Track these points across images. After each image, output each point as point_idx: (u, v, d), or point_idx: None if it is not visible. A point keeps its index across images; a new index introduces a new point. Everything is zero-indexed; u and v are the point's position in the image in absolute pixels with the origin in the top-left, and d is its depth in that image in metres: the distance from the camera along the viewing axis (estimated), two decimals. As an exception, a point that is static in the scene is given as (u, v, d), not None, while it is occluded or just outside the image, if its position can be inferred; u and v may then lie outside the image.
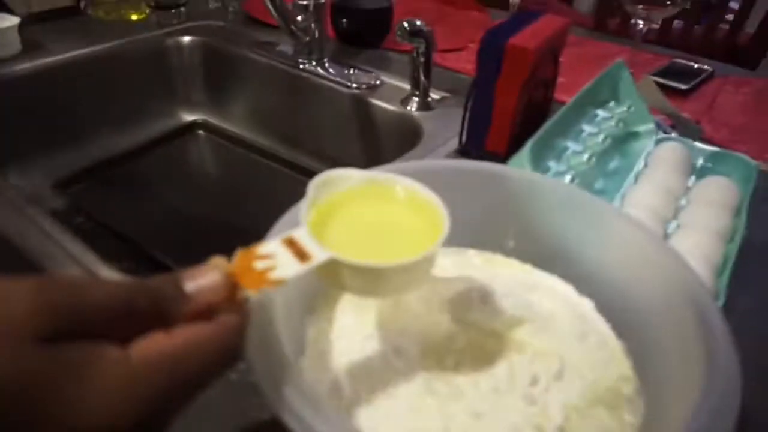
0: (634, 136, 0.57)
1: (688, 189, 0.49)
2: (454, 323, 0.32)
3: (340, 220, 0.27)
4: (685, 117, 0.62)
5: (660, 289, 0.31)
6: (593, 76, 0.57)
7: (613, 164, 0.54)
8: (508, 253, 0.38)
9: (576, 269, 0.36)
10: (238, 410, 0.31)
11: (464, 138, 0.57)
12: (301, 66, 0.74)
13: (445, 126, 0.62)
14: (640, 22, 0.68)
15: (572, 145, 0.52)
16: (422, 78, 0.65)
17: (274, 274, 0.22)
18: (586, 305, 0.35)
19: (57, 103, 0.72)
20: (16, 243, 0.43)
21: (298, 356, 0.30)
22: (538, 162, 0.46)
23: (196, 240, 0.62)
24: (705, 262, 0.39)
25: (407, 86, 0.67)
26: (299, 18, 0.71)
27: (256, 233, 0.25)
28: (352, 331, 0.31)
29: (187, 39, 0.83)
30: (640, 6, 0.66)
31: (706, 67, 0.78)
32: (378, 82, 0.71)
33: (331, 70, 0.73)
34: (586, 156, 0.50)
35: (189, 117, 0.85)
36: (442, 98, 0.68)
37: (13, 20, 0.69)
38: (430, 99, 0.67)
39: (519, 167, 0.44)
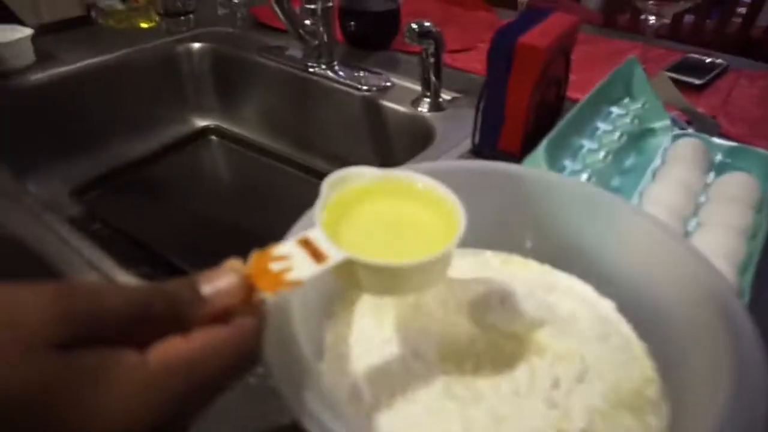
0: (650, 132, 0.56)
1: (707, 185, 0.49)
2: (473, 326, 0.31)
3: (355, 218, 0.27)
4: (700, 112, 0.61)
5: (682, 288, 0.31)
6: (605, 73, 0.57)
7: (630, 162, 0.53)
8: (525, 253, 0.38)
9: (595, 269, 0.35)
10: (258, 414, 0.31)
11: (477, 138, 0.57)
12: (311, 69, 0.74)
13: (457, 126, 0.62)
14: (651, 17, 0.67)
15: (587, 143, 0.51)
16: (433, 79, 0.64)
17: (290, 276, 0.22)
18: (607, 306, 0.34)
19: (71, 112, 0.72)
20: (34, 249, 0.43)
21: (317, 360, 0.30)
22: (554, 161, 0.46)
23: (212, 244, 0.63)
24: (728, 260, 0.38)
25: (418, 87, 0.67)
26: (307, 22, 0.71)
27: (271, 236, 0.25)
28: (370, 335, 0.31)
29: (196, 45, 0.83)
30: (651, 1, 0.66)
31: (719, 61, 0.77)
32: (388, 84, 0.71)
33: (340, 73, 0.73)
34: (602, 154, 0.49)
35: (201, 122, 0.85)
36: (453, 99, 0.68)
37: (26, 31, 0.69)
38: (441, 100, 0.66)
39: (534, 166, 0.44)
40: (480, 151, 0.57)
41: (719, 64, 0.76)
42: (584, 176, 0.46)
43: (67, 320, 0.17)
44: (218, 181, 0.80)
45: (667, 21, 0.68)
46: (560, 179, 0.38)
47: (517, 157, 0.53)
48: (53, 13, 0.86)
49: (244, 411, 0.31)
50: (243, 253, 0.22)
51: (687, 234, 0.43)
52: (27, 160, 0.69)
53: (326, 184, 0.26)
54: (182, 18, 0.88)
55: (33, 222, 0.46)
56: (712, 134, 0.55)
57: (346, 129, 0.74)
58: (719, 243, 0.40)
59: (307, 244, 0.23)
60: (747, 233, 0.42)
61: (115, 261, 0.42)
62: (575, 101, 0.61)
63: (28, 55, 0.70)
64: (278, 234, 0.28)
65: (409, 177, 0.29)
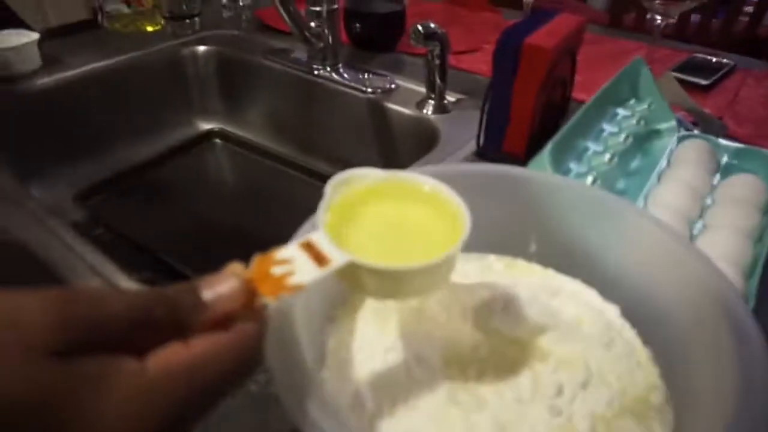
0: (656, 134, 0.56)
1: (713, 187, 0.48)
2: (477, 331, 0.31)
3: (358, 221, 0.27)
4: (707, 113, 0.61)
5: (688, 292, 0.30)
6: (611, 73, 0.56)
7: (635, 163, 0.53)
8: (529, 257, 0.37)
9: (600, 273, 0.35)
10: (259, 421, 0.31)
11: (482, 139, 0.56)
12: (316, 72, 0.74)
13: (462, 128, 0.62)
14: (658, 17, 0.66)
15: (593, 146, 0.51)
16: (438, 81, 0.64)
17: (293, 280, 0.21)
18: (611, 311, 0.34)
19: (76, 116, 0.73)
20: (37, 254, 0.43)
21: (319, 367, 0.29)
22: (559, 164, 0.46)
23: (216, 248, 0.63)
24: (733, 263, 0.38)
25: (422, 89, 0.67)
26: (312, 24, 0.71)
27: (276, 240, 0.24)
28: (373, 341, 0.31)
29: (202, 48, 0.83)
30: (658, 1, 0.65)
31: (726, 60, 0.77)
32: (393, 86, 0.71)
33: (345, 75, 0.73)
34: (607, 156, 0.49)
35: (205, 126, 0.86)
36: (458, 100, 0.68)
37: (33, 36, 0.70)
38: (446, 101, 0.66)
39: (540, 169, 0.44)
40: (485, 152, 0.57)
41: (726, 64, 0.76)
42: (589, 179, 0.46)
43: (69, 326, 0.17)
44: (222, 184, 0.80)
45: (673, 20, 0.68)
46: (565, 182, 0.38)
47: (522, 158, 0.53)
48: (59, 16, 0.87)
49: (245, 418, 0.31)
50: (247, 257, 0.22)
51: (693, 237, 0.43)
52: (31, 165, 0.69)
53: (330, 186, 0.26)
54: (187, 21, 0.88)
55: (36, 226, 0.46)
56: (719, 135, 0.55)
57: (351, 131, 0.74)
58: (725, 246, 0.39)
59: (309, 247, 0.23)
60: (753, 236, 0.42)
61: (117, 266, 0.42)
62: (580, 102, 0.61)
63: (35, 60, 0.71)
64: (283, 237, 0.28)
65: (414, 179, 0.29)
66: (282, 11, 0.66)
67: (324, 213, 0.25)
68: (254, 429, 0.31)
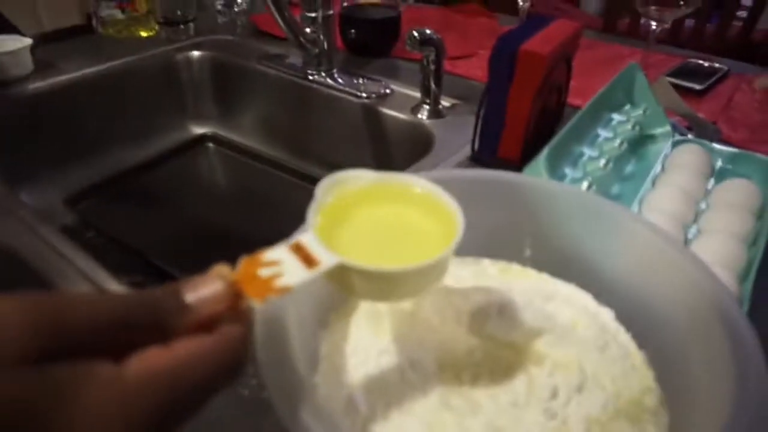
0: (651, 139, 0.56)
1: (707, 192, 0.48)
2: (471, 336, 0.31)
3: (349, 223, 0.26)
4: (701, 118, 0.61)
5: (682, 296, 0.30)
6: (605, 78, 0.57)
7: (630, 168, 0.53)
8: (524, 262, 0.37)
9: (594, 278, 0.35)
10: (252, 427, 0.31)
11: (477, 145, 0.56)
12: (311, 77, 0.74)
13: (456, 133, 0.62)
14: (653, 22, 0.67)
15: (588, 151, 0.51)
16: (433, 86, 0.64)
17: (280, 282, 0.21)
18: (606, 315, 0.34)
19: (68, 120, 0.73)
20: (26, 260, 0.43)
21: (312, 372, 0.29)
22: (555, 169, 0.46)
23: (208, 252, 0.62)
24: (728, 267, 0.38)
25: (417, 94, 0.67)
26: (308, 30, 0.71)
27: (269, 244, 0.24)
28: (366, 346, 0.31)
29: (196, 54, 0.83)
30: (653, 6, 0.65)
31: (719, 66, 0.77)
32: (388, 91, 0.71)
33: (340, 81, 0.73)
34: (602, 161, 0.49)
35: (199, 130, 0.86)
36: (453, 105, 0.68)
37: (25, 41, 0.70)
38: (441, 106, 0.66)
39: (535, 175, 0.44)
40: (479, 158, 0.57)
41: (720, 69, 0.76)
42: (585, 184, 0.46)
43: (38, 332, 0.16)
44: (215, 188, 0.80)
45: (667, 26, 0.68)
46: (560, 187, 0.38)
47: (517, 164, 0.53)
48: (53, 21, 0.86)
49: (237, 424, 0.31)
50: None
51: (687, 241, 0.43)
52: (22, 169, 0.68)
53: (320, 188, 0.26)
54: (182, 27, 0.88)
55: (26, 232, 0.45)
56: (713, 140, 0.55)
57: (346, 136, 0.74)
58: (719, 250, 0.40)
59: (298, 249, 0.22)
60: (747, 240, 0.42)
61: (108, 271, 0.42)
62: (575, 107, 0.61)
63: (27, 65, 0.70)
64: (276, 241, 0.27)
65: (406, 180, 0.28)
66: (277, 17, 0.66)
67: (314, 215, 0.25)
68: (246, 434, 0.30)
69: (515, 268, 0.37)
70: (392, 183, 0.28)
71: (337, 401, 0.28)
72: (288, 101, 0.78)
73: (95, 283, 0.40)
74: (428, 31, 0.60)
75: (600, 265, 0.35)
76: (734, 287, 0.37)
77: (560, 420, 0.28)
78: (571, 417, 0.28)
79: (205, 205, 0.74)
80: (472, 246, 0.37)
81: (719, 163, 0.53)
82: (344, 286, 0.24)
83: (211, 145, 0.85)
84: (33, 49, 0.71)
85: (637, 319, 0.33)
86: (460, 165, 0.57)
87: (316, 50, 0.73)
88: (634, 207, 0.46)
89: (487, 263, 0.38)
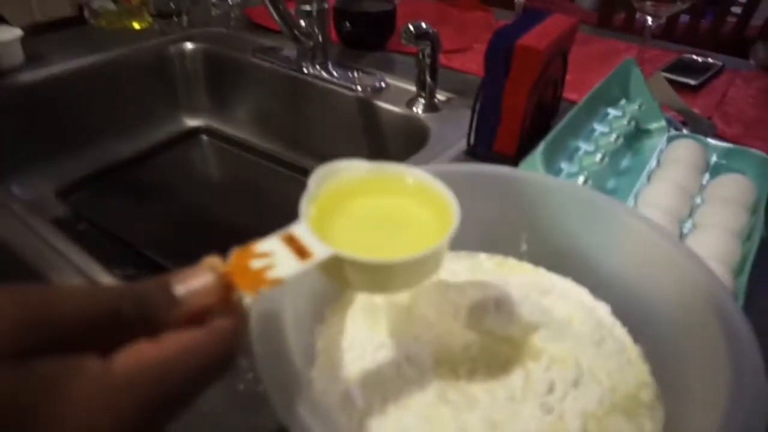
0: (646, 134, 0.56)
1: (702, 187, 0.48)
2: (468, 330, 0.31)
3: (343, 214, 0.26)
4: (696, 113, 0.61)
5: (677, 290, 0.30)
6: (601, 73, 0.57)
7: (625, 163, 0.53)
8: (520, 256, 0.37)
9: (590, 272, 0.35)
10: (247, 421, 0.30)
11: (472, 139, 0.56)
12: (305, 70, 0.74)
13: (452, 127, 0.61)
14: (649, 18, 0.67)
15: (584, 145, 0.51)
16: (428, 80, 0.64)
17: (272, 273, 0.20)
18: (602, 309, 0.34)
19: (60, 112, 0.72)
20: (18, 253, 0.42)
21: (308, 366, 0.29)
22: (551, 164, 0.46)
23: (201, 245, 0.61)
24: (723, 262, 0.38)
25: (412, 88, 0.66)
26: (302, 23, 0.71)
27: (262, 237, 0.24)
28: (363, 340, 0.31)
29: (190, 46, 0.83)
30: (648, 2, 0.65)
31: (712, 61, 0.77)
32: (383, 85, 0.71)
33: (335, 74, 0.73)
34: (598, 156, 0.49)
35: (192, 122, 0.85)
36: (448, 99, 0.68)
37: (16, 32, 0.69)
38: (436, 100, 0.66)
39: (531, 169, 0.43)
40: (475, 152, 0.57)
41: (714, 65, 0.76)
42: (581, 178, 0.46)
43: (13, 328, 0.16)
44: (209, 181, 0.80)
45: (662, 21, 0.68)
46: (556, 182, 0.38)
47: (513, 158, 0.53)
48: (45, 12, 0.85)
49: (233, 418, 0.31)
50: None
51: (682, 236, 0.43)
52: (13, 161, 0.68)
53: (313, 178, 0.25)
54: (175, 19, 0.87)
55: (17, 224, 0.45)
56: (708, 135, 0.55)
57: (340, 130, 0.73)
58: (714, 245, 0.40)
59: (291, 240, 0.22)
60: (742, 235, 0.42)
61: (100, 263, 0.41)
62: (571, 101, 0.61)
63: (17, 56, 0.69)
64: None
65: (401, 170, 0.28)
66: (271, 9, 0.65)
67: (307, 205, 0.24)
68: (242, 428, 0.30)
69: (511, 262, 0.37)
70: (387, 173, 0.27)
71: (333, 396, 0.28)
72: (282, 94, 0.77)
73: (87, 275, 0.40)
74: (424, 25, 0.60)
75: (596, 260, 0.35)
76: (729, 282, 0.37)
77: (557, 414, 0.28)
78: (568, 411, 0.28)
79: (199, 197, 0.73)
80: (468, 240, 0.37)
81: (714, 159, 0.53)
82: (338, 279, 0.24)
83: (204, 137, 0.84)
84: (24, 40, 0.70)
85: (632, 313, 0.33)
86: (456, 159, 0.57)
87: (311, 43, 0.72)
88: (630, 202, 0.46)
89: (483, 257, 0.37)
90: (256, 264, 0.21)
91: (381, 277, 0.24)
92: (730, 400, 0.23)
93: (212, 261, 0.20)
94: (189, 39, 0.83)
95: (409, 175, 0.28)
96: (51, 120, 0.71)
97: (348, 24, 0.80)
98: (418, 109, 0.65)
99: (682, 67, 0.75)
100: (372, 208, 0.27)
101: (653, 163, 0.52)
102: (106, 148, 0.76)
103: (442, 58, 0.72)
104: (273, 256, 0.21)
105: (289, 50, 0.77)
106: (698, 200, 0.47)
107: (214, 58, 0.83)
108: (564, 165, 0.48)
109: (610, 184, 0.50)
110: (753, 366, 0.24)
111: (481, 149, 0.56)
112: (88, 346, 0.17)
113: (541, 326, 0.31)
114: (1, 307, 0.16)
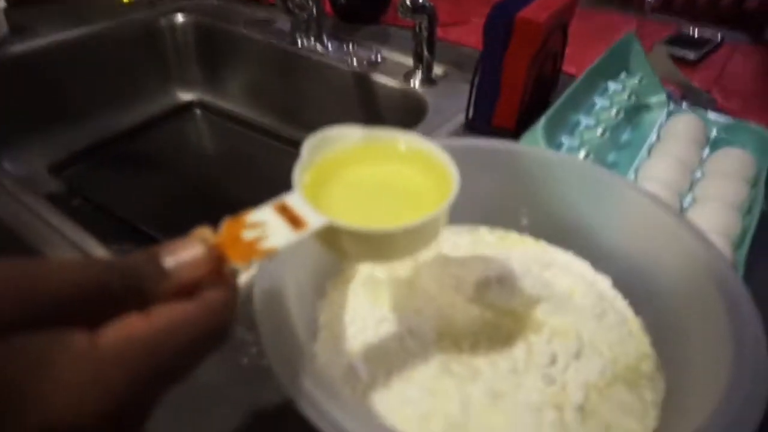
0: (646, 108, 0.56)
1: (702, 161, 0.48)
2: (470, 304, 0.31)
3: (339, 182, 0.25)
4: (696, 87, 0.61)
5: (678, 263, 0.30)
6: (600, 47, 0.56)
7: (626, 137, 0.53)
8: (521, 230, 0.37)
9: (591, 245, 0.35)
10: (251, 394, 0.30)
11: (471, 113, 0.56)
12: (299, 44, 0.73)
13: (450, 101, 0.61)
14: (649, -10, 0.66)
15: (584, 120, 0.50)
16: (425, 53, 0.63)
17: (265, 244, 0.20)
18: (603, 282, 0.34)
19: (50, 86, 0.70)
20: (12, 228, 0.42)
21: (311, 341, 0.29)
22: (552, 138, 0.45)
23: (196, 219, 0.61)
24: (723, 235, 0.38)
25: (409, 61, 0.65)
26: (296, -7, 0.69)
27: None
28: (365, 314, 0.31)
29: (180, 18, 0.81)
30: (648, -27, 0.64)
31: (711, 35, 0.76)
32: (379, 58, 0.69)
33: (329, 47, 0.72)
34: (599, 130, 0.48)
35: (185, 96, 0.83)
36: (446, 73, 0.67)
37: None
38: (433, 74, 0.65)
39: (533, 144, 0.43)
40: (474, 126, 0.56)
41: (713, 39, 0.76)
42: (582, 153, 0.45)
43: (3, 303, 0.15)
44: (203, 155, 0.79)
45: (662, -6, 0.67)
46: (557, 156, 0.38)
47: (512, 132, 0.53)
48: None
49: (237, 391, 0.31)
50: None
51: (683, 209, 0.43)
52: (3, 136, 0.66)
53: (306, 146, 0.24)
54: (165, -11, 0.85)
55: (10, 200, 0.44)
56: (708, 109, 0.55)
57: (336, 103, 0.72)
58: (715, 218, 0.40)
59: (284, 209, 0.21)
60: (742, 208, 0.42)
61: (95, 238, 0.40)
62: (570, 75, 0.60)
63: (1, 27, 0.67)
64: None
65: (398, 136, 0.27)
66: (265, -21, 0.64)
67: (300, 174, 0.23)
68: (246, 401, 0.30)
69: (513, 236, 0.37)
70: (382, 139, 0.26)
71: (337, 369, 0.28)
72: (276, 67, 0.76)
73: (83, 251, 0.39)
74: (421, -2, 0.59)
75: (597, 233, 0.35)
76: (729, 254, 0.37)
77: (559, 385, 0.28)
78: (570, 382, 0.28)
79: (193, 171, 0.72)
80: (469, 214, 0.37)
81: (714, 133, 0.52)
82: (336, 249, 0.23)
83: (198, 111, 0.83)
84: (7, 11, 0.68)
85: (633, 286, 0.33)
86: (454, 133, 0.56)
87: (305, 15, 0.70)
88: (630, 175, 0.46)
89: (484, 232, 0.37)
90: (248, 235, 0.20)
91: (378, 246, 0.23)
92: (731, 370, 0.23)
93: (203, 232, 0.20)
94: (180, 10, 0.81)
95: (404, 140, 0.26)
96: (41, 93, 0.69)
97: (343, -4, 0.78)
98: (415, 82, 0.65)
99: (681, 41, 0.74)
100: (368, 176, 0.26)
101: (653, 137, 0.52)
102: (98, 122, 0.74)
103: (439, 31, 0.70)
104: (265, 226, 0.20)
105: (283, 23, 0.75)
106: (698, 174, 0.47)
107: (205, 30, 0.81)
108: (565, 139, 0.47)
109: (611, 158, 0.49)
110: (754, 337, 0.25)
111: (479, 123, 0.55)
112: (76, 320, 0.16)
113: (542, 299, 0.31)
114: None
